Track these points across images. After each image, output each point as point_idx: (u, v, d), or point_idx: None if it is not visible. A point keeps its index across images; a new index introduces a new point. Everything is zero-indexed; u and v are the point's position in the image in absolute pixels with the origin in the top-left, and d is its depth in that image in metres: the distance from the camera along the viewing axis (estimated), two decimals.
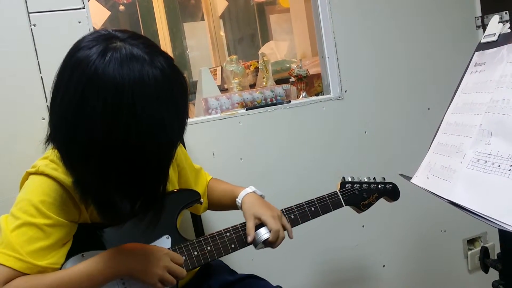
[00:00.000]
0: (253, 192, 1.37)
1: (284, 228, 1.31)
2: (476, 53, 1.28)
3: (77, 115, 0.91)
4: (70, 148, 0.96)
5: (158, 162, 1.00)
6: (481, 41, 1.27)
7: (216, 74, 3.37)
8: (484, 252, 1.32)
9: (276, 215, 1.29)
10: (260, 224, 1.28)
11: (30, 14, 1.47)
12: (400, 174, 1.38)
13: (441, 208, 2.14)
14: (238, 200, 1.35)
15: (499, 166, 0.99)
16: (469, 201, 1.04)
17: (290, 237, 1.31)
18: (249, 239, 1.26)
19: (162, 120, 0.95)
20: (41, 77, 1.49)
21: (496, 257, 1.30)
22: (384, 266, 2.14)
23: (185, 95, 1.01)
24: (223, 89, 2.82)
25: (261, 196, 1.38)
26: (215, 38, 4.32)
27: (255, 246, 1.27)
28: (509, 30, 1.19)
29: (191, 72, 4.22)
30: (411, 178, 1.32)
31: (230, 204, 1.41)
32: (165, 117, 0.95)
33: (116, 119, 0.90)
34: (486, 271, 1.33)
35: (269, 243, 1.27)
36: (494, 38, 1.22)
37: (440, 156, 1.23)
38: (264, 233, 1.26)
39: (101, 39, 0.95)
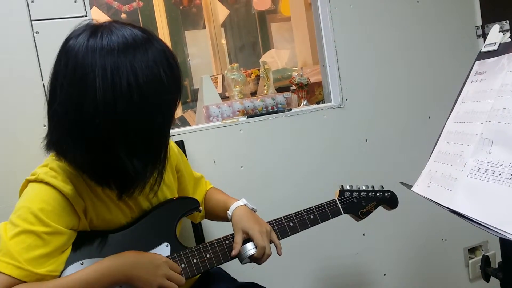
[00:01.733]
0: (245, 205, 1.35)
1: (274, 244, 1.30)
2: (477, 62, 1.28)
3: (80, 98, 0.97)
4: (78, 134, 0.99)
5: (162, 126, 1.08)
6: (482, 50, 1.28)
7: (217, 81, 3.38)
8: (485, 261, 1.32)
9: (264, 230, 1.27)
10: (247, 239, 1.27)
11: (32, 22, 1.48)
12: (401, 183, 1.38)
13: (442, 217, 2.14)
14: (229, 212, 1.34)
15: (499, 174, 0.99)
16: (470, 209, 1.04)
17: (279, 254, 1.29)
18: (233, 253, 1.24)
19: (161, 78, 1.01)
20: (43, 84, 1.49)
21: (497, 266, 1.29)
22: (385, 274, 2.13)
23: (178, 65, 1.07)
24: (224, 97, 2.83)
25: (253, 209, 1.35)
26: (216, 46, 4.33)
27: (241, 261, 1.26)
28: (509, 40, 1.20)
29: (192, 79, 4.23)
30: (412, 186, 1.32)
31: (222, 216, 1.40)
32: (163, 76, 1.01)
33: (118, 81, 0.96)
34: (487, 280, 1.32)
35: (255, 259, 1.25)
36: (495, 48, 1.22)
37: (441, 164, 1.23)
38: (250, 249, 1.24)
39: (88, 26, 1.02)
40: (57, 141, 1.04)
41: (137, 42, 1.00)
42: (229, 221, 1.35)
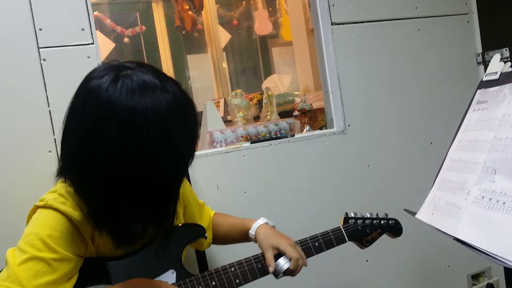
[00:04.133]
0: (265, 223, 1.37)
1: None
2: (479, 91, 1.30)
3: (91, 140, 0.96)
4: (84, 175, 0.99)
5: (170, 183, 1.04)
6: (483, 79, 1.29)
7: (219, 105, 3.39)
8: None
9: (292, 243, 1.31)
10: (278, 254, 1.29)
11: (40, 49, 1.51)
12: (405, 210, 1.38)
13: (445, 243, 2.12)
14: (251, 232, 1.35)
15: (503, 203, 1.00)
16: (474, 238, 1.04)
17: (305, 265, 1.32)
18: (270, 270, 1.27)
19: (174, 142, 0.99)
20: (49, 110, 1.51)
21: None
22: None
23: (195, 118, 1.06)
24: (226, 121, 2.84)
25: (273, 226, 1.38)
26: (218, 69, 4.37)
27: (276, 276, 1.28)
28: (510, 69, 1.21)
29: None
30: (415, 213, 1.32)
31: (239, 237, 1.42)
32: (177, 138, 0.99)
33: (130, 142, 0.95)
34: None
35: (290, 272, 1.28)
36: (496, 77, 1.24)
37: (444, 192, 1.23)
38: (284, 263, 1.27)
39: (112, 68, 1.01)
40: (66, 175, 1.04)
41: (160, 106, 0.97)
42: (246, 241, 1.38)
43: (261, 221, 1.38)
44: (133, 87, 0.96)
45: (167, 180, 1.03)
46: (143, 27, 4.13)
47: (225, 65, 4.43)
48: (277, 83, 3.36)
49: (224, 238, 1.48)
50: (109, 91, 0.96)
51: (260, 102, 2.74)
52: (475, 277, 2.31)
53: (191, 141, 1.06)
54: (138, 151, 0.96)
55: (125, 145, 0.95)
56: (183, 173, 1.08)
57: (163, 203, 1.06)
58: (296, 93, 2.99)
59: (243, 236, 1.40)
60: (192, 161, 1.08)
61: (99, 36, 3.82)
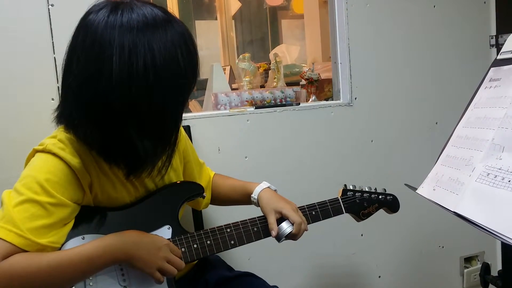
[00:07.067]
0: (268, 187, 1.37)
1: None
2: (492, 68, 1.27)
3: (96, 72, 0.96)
4: (92, 104, 0.99)
5: (174, 100, 1.05)
6: (497, 58, 1.27)
7: (225, 73, 3.36)
8: (486, 268, 1.32)
9: (295, 208, 1.31)
10: (280, 218, 1.29)
11: None
12: (406, 184, 1.37)
13: (441, 224, 2.15)
14: (254, 196, 1.35)
15: (509, 181, 0.98)
16: (476, 214, 1.03)
17: (306, 229, 1.32)
18: (273, 233, 1.27)
19: (177, 61, 1.01)
20: (54, 57, 1.48)
21: (497, 274, 1.29)
22: (379, 277, 2.13)
23: (196, 49, 1.08)
24: (231, 89, 2.82)
25: (275, 191, 1.38)
26: (226, 38, 4.32)
27: (278, 240, 1.29)
28: None
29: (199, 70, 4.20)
30: (416, 188, 1.31)
31: (239, 200, 1.42)
32: (180, 59, 1.01)
33: (134, 60, 0.95)
34: (486, 287, 1.32)
35: (292, 236, 1.28)
36: (511, 56, 1.22)
37: (448, 168, 1.22)
38: (287, 227, 1.28)
39: (109, 2, 1.02)
40: (69, 115, 1.03)
41: (157, 22, 1.00)
42: (247, 204, 1.39)
43: (263, 185, 1.37)
44: (132, 13, 0.98)
45: (172, 107, 1.05)
46: None
47: (233, 34, 4.37)
48: (285, 53, 3.32)
49: (224, 199, 1.48)
50: (108, 22, 0.97)
51: (266, 71, 2.71)
52: (468, 260, 2.32)
53: (194, 65, 1.07)
54: (144, 80, 0.97)
55: (130, 75, 0.95)
56: (186, 101, 1.10)
57: (167, 127, 1.08)
58: (303, 65, 2.96)
59: (244, 199, 1.39)
60: (194, 86, 1.10)
61: None
